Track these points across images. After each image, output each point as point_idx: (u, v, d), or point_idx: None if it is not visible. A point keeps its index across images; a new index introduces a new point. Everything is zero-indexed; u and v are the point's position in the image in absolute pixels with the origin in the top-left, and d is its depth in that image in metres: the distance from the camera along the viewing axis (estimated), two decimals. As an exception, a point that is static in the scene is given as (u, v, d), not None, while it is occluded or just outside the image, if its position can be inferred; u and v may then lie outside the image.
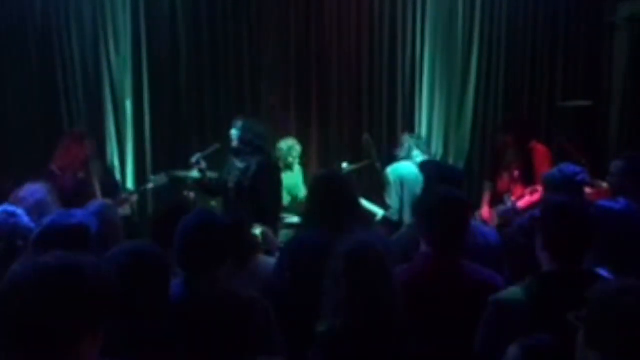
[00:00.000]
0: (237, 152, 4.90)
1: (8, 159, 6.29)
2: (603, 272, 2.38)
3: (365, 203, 5.08)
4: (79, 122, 6.45)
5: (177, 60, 6.54)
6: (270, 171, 4.89)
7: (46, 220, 2.79)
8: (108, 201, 4.75)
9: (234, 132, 4.92)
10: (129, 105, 6.56)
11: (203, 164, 5.03)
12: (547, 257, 2.27)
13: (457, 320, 2.44)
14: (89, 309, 1.40)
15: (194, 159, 5.04)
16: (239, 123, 4.94)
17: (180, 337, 2.29)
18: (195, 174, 5.09)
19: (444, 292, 2.48)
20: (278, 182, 5.00)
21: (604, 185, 4.78)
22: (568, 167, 3.75)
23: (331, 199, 3.10)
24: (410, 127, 6.30)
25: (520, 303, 2.22)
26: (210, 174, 5.11)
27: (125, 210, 5.65)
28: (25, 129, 6.38)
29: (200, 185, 5.17)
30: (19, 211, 3.05)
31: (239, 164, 4.87)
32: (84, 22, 6.40)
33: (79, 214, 2.86)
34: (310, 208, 3.26)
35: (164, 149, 6.60)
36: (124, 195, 5.47)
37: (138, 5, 6.42)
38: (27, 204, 3.39)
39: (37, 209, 3.32)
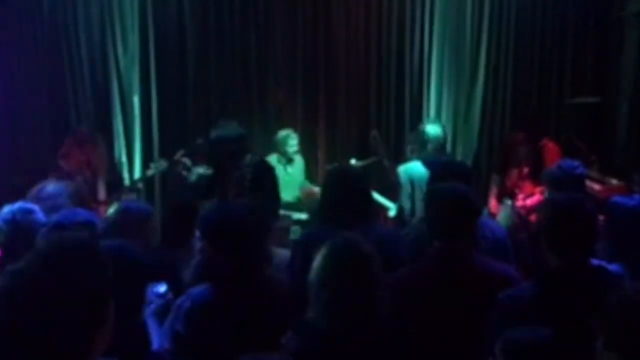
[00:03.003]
0: (215, 161, 4.67)
1: (18, 155, 6.32)
2: (616, 268, 2.38)
3: (379, 197, 5.09)
4: (87, 118, 6.48)
5: (184, 56, 6.55)
6: (264, 177, 4.64)
7: (51, 219, 2.80)
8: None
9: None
10: (136, 101, 6.56)
11: (188, 162, 4.94)
12: (553, 257, 2.27)
13: (470, 312, 2.45)
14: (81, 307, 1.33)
15: (177, 156, 4.98)
16: (211, 136, 4.63)
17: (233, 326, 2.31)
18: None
19: (457, 285, 2.48)
20: (273, 186, 4.74)
21: (613, 181, 4.78)
22: (566, 162, 3.76)
23: (345, 193, 3.11)
24: (418, 123, 6.28)
25: (530, 299, 2.22)
26: (198, 170, 4.95)
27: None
28: (34, 125, 6.40)
29: (189, 187, 4.97)
30: (36, 208, 3.05)
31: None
32: (91, 19, 6.41)
33: (83, 213, 2.87)
34: (324, 202, 3.26)
35: (171, 144, 6.59)
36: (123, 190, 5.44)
37: (145, 2, 6.42)
38: (45, 205, 3.37)
39: (53, 210, 3.31)
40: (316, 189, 5.71)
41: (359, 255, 2.09)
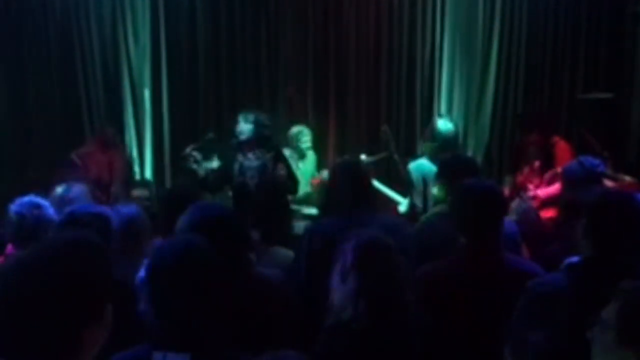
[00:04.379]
0: (249, 148, 4.77)
1: (29, 149, 6.35)
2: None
3: (389, 192, 5.08)
4: (98, 112, 6.51)
5: (195, 49, 6.56)
6: (285, 165, 4.85)
7: (66, 210, 2.81)
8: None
9: (245, 127, 4.74)
10: (147, 94, 6.59)
11: (198, 156, 4.93)
12: (588, 245, 2.23)
13: (496, 309, 2.44)
14: (88, 292, 1.35)
15: (187, 150, 4.96)
16: (251, 117, 4.77)
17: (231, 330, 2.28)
18: (192, 165, 4.99)
19: (483, 282, 2.47)
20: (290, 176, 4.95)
21: (627, 178, 4.75)
22: (587, 160, 3.70)
23: (349, 186, 3.14)
24: (428, 118, 6.27)
25: (558, 288, 2.19)
26: (207, 165, 4.97)
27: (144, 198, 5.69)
28: (45, 119, 6.43)
29: (199, 181, 4.96)
30: (45, 203, 3.05)
31: (253, 162, 4.75)
32: (103, 12, 6.44)
33: (98, 206, 2.87)
34: (329, 196, 3.30)
35: (181, 138, 6.61)
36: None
37: (157, -5, 6.45)
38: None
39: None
40: (325, 175, 5.71)
41: (385, 248, 2.12)
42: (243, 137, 4.76)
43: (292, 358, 1.70)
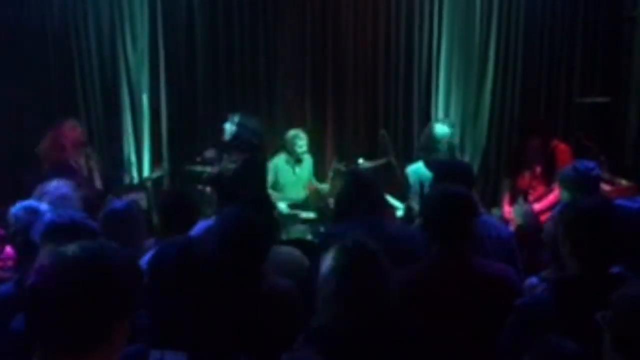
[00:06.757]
0: (229, 148, 4.77)
1: (26, 153, 6.34)
2: (617, 271, 2.35)
3: (387, 197, 5.09)
4: (96, 117, 6.52)
5: (193, 55, 6.56)
6: (248, 173, 4.64)
7: (45, 218, 2.75)
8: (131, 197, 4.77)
9: (227, 127, 4.75)
10: (145, 100, 6.58)
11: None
12: (574, 262, 2.23)
13: (468, 313, 2.44)
14: (119, 297, 1.40)
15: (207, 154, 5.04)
16: (236, 118, 4.77)
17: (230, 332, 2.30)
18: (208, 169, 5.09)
19: (454, 287, 2.48)
20: (256, 184, 4.71)
21: (623, 182, 4.75)
22: (581, 164, 3.70)
23: (360, 195, 3.18)
24: (426, 123, 6.26)
25: (547, 306, 2.18)
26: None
27: (142, 203, 5.69)
28: (43, 124, 6.41)
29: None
30: (43, 208, 3.05)
31: (230, 163, 4.72)
32: (101, 18, 6.44)
33: (75, 214, 2.82)
34: (340, 203, 3.34)
35: (180, 143, 6.63)
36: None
37: (155, 1, 6.44)
38: (51, 197, 3.39)
39: (59, 203, 3.32)
40: (321, 186, 5.71)
41: (367, 253, 2.10)
42: (224, 137, 4.78)
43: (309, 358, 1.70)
